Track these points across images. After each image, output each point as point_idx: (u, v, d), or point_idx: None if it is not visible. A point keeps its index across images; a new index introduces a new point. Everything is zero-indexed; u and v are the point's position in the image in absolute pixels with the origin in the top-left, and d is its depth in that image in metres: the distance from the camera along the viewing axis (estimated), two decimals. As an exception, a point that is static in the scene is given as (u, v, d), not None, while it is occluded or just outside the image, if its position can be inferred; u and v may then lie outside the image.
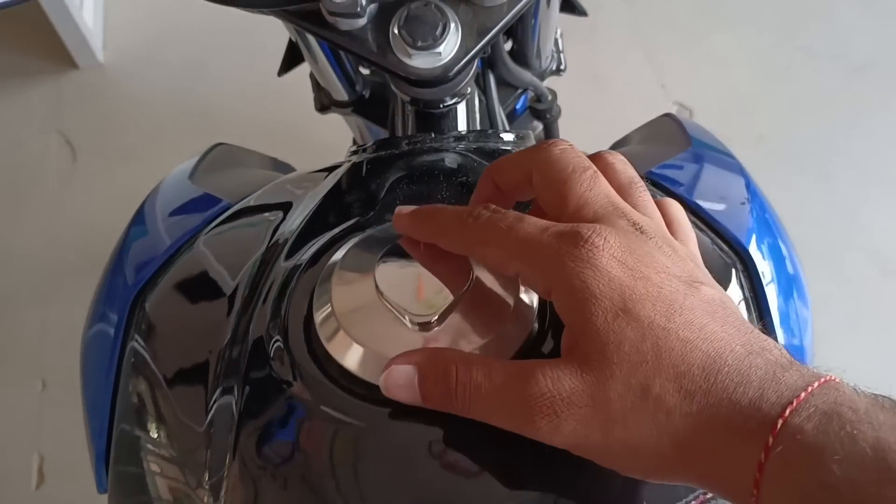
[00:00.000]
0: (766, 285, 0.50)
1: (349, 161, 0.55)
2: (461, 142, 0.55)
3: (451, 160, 0.53)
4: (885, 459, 0.26)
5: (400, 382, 0.35)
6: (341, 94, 0.77)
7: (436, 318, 0.38)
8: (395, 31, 0.50)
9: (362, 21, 0.50)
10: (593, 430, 0.31)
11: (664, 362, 0.30)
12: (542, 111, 0.83)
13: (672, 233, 0.37)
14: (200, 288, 0.53)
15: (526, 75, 0.75)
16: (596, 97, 1.76)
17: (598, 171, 0.37)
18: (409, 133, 0.61)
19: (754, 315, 0.49)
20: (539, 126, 0.88)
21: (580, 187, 0.35)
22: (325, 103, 0.80)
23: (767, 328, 0.49)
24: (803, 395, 0.29)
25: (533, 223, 0.34)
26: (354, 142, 0.96)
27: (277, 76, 0.79)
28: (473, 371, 0.34)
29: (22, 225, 1.71)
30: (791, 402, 0.28)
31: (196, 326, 0.50)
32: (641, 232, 0.34)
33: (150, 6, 1.92)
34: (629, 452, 0.31)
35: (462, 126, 0.61)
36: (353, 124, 0.87)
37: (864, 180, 1.63)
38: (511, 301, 0.38)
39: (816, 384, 0.29)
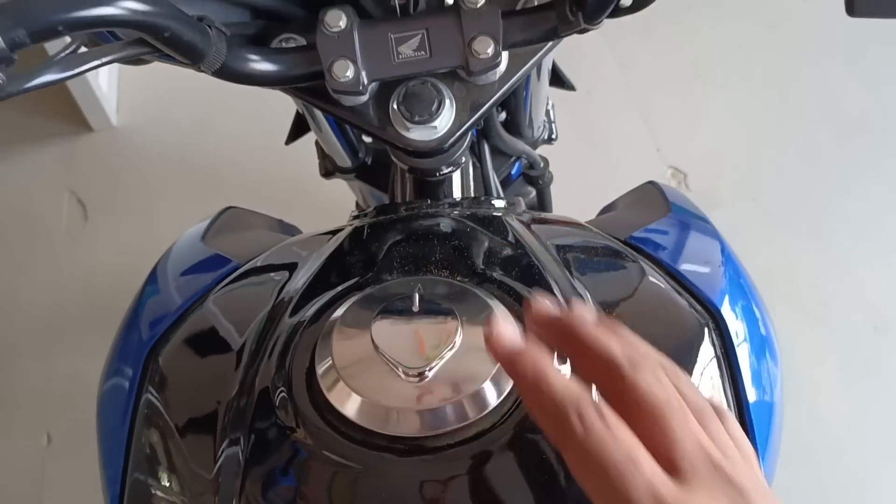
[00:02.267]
0: (738, 345, 0.53)
1: (351, 225, 0.60)
2: (455, 208, 0.60)
3: (445, 225, 0.58)
4: None
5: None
6: (345, 161, 0.82)
7: (427, 370, 0.41)
8: (395, 107, 0.55)
9: (364, 97, 0.55)
10: None
11: None
12: (535, 177, 0.88)
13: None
14: (210, 343, 0.56)
15: (519, 144, 0.80)
16: (593, 160, 1.81)
17: (688, 409, 0.36)
18: (408, 199, 0.65)
19: (725, 372, 0.52)
20: (533, 191, 0.92)
21: (673, 431, 0.35)
22: (329, 169, 0.85)
23: (738, 385, 0.52)
24: None
25: (645, 470, 0.33)
26: (357, 205, 1.01)
27: (285, 145, 0.83)
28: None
29: (31, 278, 1.76)
30: None
31: (206, 380, 0.54)
32: (741, 496, 0.34)
33: (162, 69, 1.99)
34: None
35: (457, 192, 0.65)
36: (356, 189, 0.92)
37: (856, 239, 1.67)
38: None
39: None
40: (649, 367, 0.37)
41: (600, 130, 1.85)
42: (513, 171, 0.89)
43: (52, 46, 0.50)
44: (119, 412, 0.56)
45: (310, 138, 0.85)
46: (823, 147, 1.79)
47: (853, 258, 1.65)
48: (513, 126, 0.81)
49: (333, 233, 0.60)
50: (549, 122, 0.91)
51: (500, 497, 0.40)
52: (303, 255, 0.59)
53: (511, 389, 0.42)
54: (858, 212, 1.70)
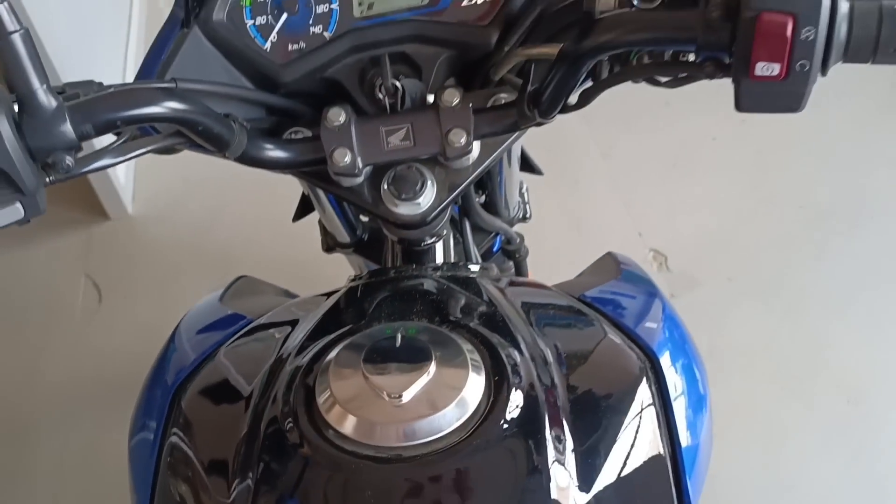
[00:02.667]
0: (675, 394, 0.63)
1: (346, 286, 0.70)
2: (437, 271, 0.70)
3: (427, 284, 0.68)
4: None
5: None
6: (344, 237, 0.93)
7: (406, 394, 0.51)
8: (385, 187, 0.67)
9: (360, 179, 0.66)
10: None
11: None
12: (513, 251, 0.99)
13: None
14: (223, 391, 0.66)
15: (496, 222, 0.91)
16: (579, 243, 1.93)
17: None
18: (397, 265, 0.76)
19: (661, 415, 0.61)
20: (512, 264, 1.03)
21: None
22: (330, 244, 0.96)
23: (671, 429, 0.61)
24: None
25: None
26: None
27: (292, 222, 0.95)
28: None
29: (47, 357, 1.85)
30: None
31: (220, 423, 0.63)
32: None
33: (174, 162, 2.12)
34: None
35: (440, 259, 0.76)
36: (354, 262, 1.03)
37: (828, 316, 1.77)
38: (463, 380, 0.52)
39: None
40: None
41: (586, 216, 1.98)
42: (493, 247, 1.00)
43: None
44: (146, 456, 0.65)
45: (313, 222, 0.97)
46: (795, 231, 1.91)
47: (826, 335, 1.74)
48: (491, 206, 0.93)
49: (332, 293, 0.71)
50: (524, 202, 1.02)
51: (463, 495, 0.49)
52: (303, 313, 0.69)
53: (474, 409, 0.52)
54: (829, 292, 1.81)
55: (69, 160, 0.52)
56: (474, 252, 0.86)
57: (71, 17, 1.91)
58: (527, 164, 0.99)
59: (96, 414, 1.74)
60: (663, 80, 0.60)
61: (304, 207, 0.95)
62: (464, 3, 0.68)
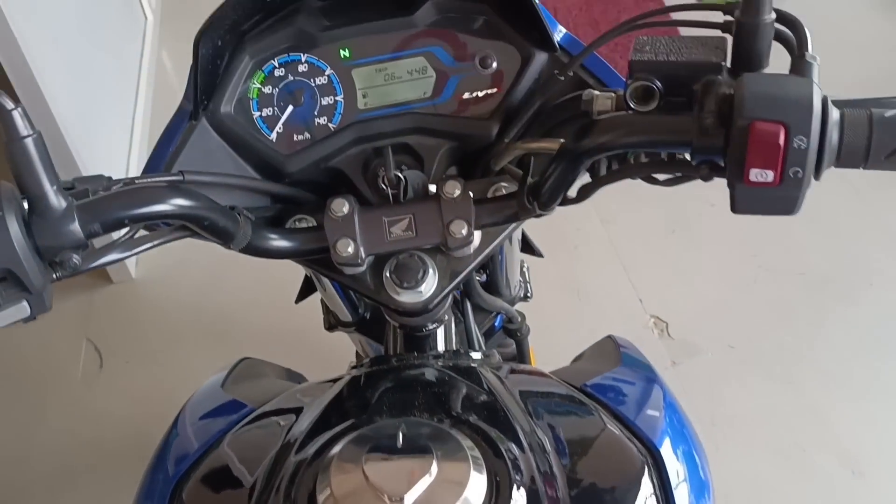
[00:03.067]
0: (676, 484, 0.63)
1: (349, 374, 0.70)
2: (438, 360, 0.71)
3: (428, 375, 0.68)
4: None
5: None
6: (346, 316, 0.94)
7: (408, 497, 0.51)
8: (387, 275, 0.67)
9: (362, 268, 0.67)
10: None
11: None
12: (514, 330, 0.99)
13: None
14: (226, 482, 0.66)
15: (497, 302, 0.92)
16: (579, 309, 1.93)
17: None
18: (399, 351, 0.77)
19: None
20: (513, 342, 1.04)
21: None
22: (332, 323, 0.96)
23: None
24: None
25: None
26: (357, 355, 1.12)
27: (295, 303, 0.96)
28: None
29: (44, 424, 1.84)
30: None
31: None
32: None
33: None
34: None
35: (441, 345, 0.77)
36: (356, 340, 1.03)
37: (830, 386, 1.76)
38: (465, 480, 0.52)
39: None
40: None
41: (586, 282, 1.98)
42: (495, 325, 1.01)
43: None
44: None
45: (315, 297, 0.98)
46: (793, 299, 1.92)
47: (827, 404, 1.74)
48: (492, 286, 0.94)
49: (334, 381, 0.71)
50: (525, 282, 1.03)
51: None
52: (306, 402, 0.69)
53: None
54: (829, 359, 1.80)
55: (76, 258, 0.53)
56: (476, 334, 0.86)
57: (79, 92, 1.95)
58: (527, 246, 1.00)
59: (92, 484, 1.72)
60: (661, 178, 0.61)
61: (307, 288, 0.96)
62: (465, 96, 0.70)
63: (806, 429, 1.71)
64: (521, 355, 1.04)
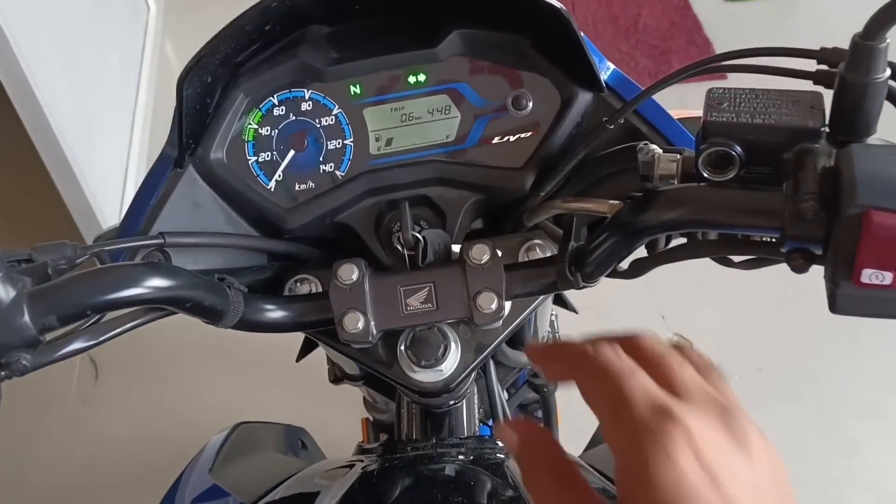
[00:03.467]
0: None
1: (360, 464, 0.61)
2: (459, 449, 0.61)
3: (449, 471, 0.59)
4: None
5: None
6: (354, 369, 0.84)
7: None
8: (402, 349, 0.58)
9: (372, 343, 0.57)
10: None
11: None
12: (539, 385, 0.89)
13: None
14: None
15: (523, 358, 0.82)
16: (598, 327, 1.82)
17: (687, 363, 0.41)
18: (414, 433, 0.66)
19: None
20: (538, 397, 0.94)
21: (672, 368, 0.40)
22: (338, 376, 0.87)
23: None
24: None
25: (643, 379, 0.38)
26: (364, 400, 1.02)
27: (296, 362, 0.86)
28: None
29: (39, 443, 1.76)
30: None
31: None
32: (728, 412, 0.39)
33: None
34: None
35: (464, 424, 0.66)
36: (364, 391, 0.93)
37: (863, 415, 1.67)
38: None
39: None
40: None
41: (606, 298, 1.88)
42: (520, 378, 0.91)
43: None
44: None
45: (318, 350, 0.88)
46: (825, 321, 1.80)
47: (860, 436, 1.64)
48: (518, 341, 0.84)
49: (343, 468, 0.61)
50: (553, 332, 0.93)
51: None
52: (313, 490, 0.60)
53: None
54: (864, 389, 1.71)
55: (26, 359, 0.43)
56: (501, 400, 0.76)
57: (79, 92, 1.86)
58: (560, 300, 0.90)
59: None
60: (737, 259, 0.51)
61: (309, 344, 0.86)
62: (495, 141, 0.60)
63: (838, 461, 1.61)
64: (547, 413, 0.94)
